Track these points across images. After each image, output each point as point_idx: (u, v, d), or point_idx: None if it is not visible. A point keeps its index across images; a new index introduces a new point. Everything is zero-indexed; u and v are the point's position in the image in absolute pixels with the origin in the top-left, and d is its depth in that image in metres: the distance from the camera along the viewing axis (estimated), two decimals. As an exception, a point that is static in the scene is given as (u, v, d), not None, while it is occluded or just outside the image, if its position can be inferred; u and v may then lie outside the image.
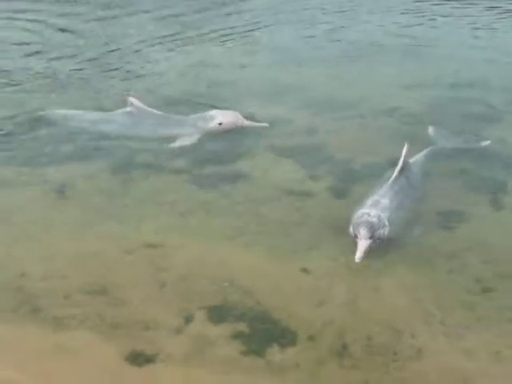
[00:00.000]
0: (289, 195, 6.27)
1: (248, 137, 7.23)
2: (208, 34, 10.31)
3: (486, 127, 7.47)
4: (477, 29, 10.49)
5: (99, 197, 6.15)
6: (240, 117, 7.45)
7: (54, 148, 6.96)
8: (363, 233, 5.29)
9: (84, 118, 7.59)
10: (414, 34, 10.19)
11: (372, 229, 5.33)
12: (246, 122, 7.43)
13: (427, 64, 9.19)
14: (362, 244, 5.24)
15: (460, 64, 9.35)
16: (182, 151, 6.96)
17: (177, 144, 7.11)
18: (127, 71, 9.06)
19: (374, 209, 5.56)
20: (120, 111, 7.56)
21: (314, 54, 9.56)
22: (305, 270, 5.20)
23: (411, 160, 6.42)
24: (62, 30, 10.40)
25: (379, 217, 5.46)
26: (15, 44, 9.85)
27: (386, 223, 5.47)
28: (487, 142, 6.92)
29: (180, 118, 7.53)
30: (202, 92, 8.35)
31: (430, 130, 7.12)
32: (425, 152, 6.68)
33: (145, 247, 5.41)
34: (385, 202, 5.71)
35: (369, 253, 5.28)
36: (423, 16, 10.93)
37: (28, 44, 9.84)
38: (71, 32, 10.31)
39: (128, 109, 7.50)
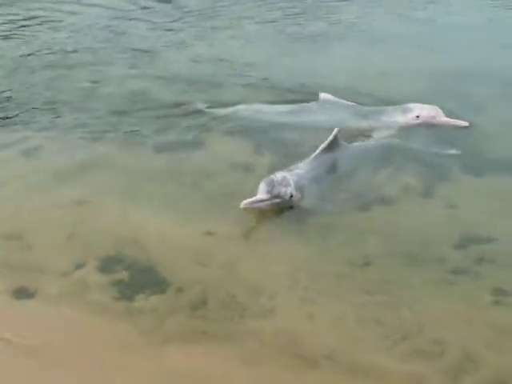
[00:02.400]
0: (233, 169, 6.65)
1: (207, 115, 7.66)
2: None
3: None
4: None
5: (61, 159, 6.81)
6: (440, 112, 7.29)
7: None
8: (261, 187, 5.67)
9: (272, 111, 7.63)
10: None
11: (271, 184, 5.67)
12: (445, 119, 7.26)
13: (425, 51, 9.39)
14: (257, 196, 5.60)
15: (461, 52, 9.55)
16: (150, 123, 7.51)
17: (375, 136, 7.09)
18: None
19: (285, 172, 5.90)
20: (310, 104, 7.68)
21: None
22: (208, 233, 5.56)
23: (353, 143, 6.76)
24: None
25: (284, 177, 5.79)
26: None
27: (291, 184, 5.76)
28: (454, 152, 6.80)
29: (376, 110, 7.51)
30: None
31: None
32: (375, 140, 6.94)
33: (74, 204, 5.95)
34: (299, 170, 6.06)
35: (267, 209, 5.74)
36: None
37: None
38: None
39: (317, 102, 7.62)
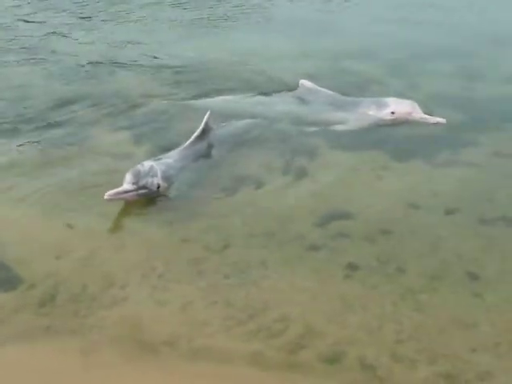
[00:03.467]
0: (110, 158, 6.53)
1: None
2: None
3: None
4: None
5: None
6: (417, 108, 6.93)
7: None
8: (127, 177, 5.55)
9: (243, 101, 7.39)
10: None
11: (137, 175, 5.56)
12: (422, 116, 6.90)
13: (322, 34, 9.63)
14: (122, 187, 5.49)
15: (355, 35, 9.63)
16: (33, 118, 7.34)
17: (341, 128, 6.86)
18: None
19: (152, 161, 5.81)
20: (288, 93, 7.49)
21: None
22: (68, 226, 5.45)
23: (221, 126, 6.72)
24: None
25: (151, 167, 5.68)
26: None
27: (159, 174, 5.68)
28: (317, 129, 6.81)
29: (354, 101, 7.24)
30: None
31: None
32: (242, 121, 6.92)
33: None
34: (168, 160, 5.98)
35: (135, 200, 5.67)
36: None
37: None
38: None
39: (295, 90, 7.42)
